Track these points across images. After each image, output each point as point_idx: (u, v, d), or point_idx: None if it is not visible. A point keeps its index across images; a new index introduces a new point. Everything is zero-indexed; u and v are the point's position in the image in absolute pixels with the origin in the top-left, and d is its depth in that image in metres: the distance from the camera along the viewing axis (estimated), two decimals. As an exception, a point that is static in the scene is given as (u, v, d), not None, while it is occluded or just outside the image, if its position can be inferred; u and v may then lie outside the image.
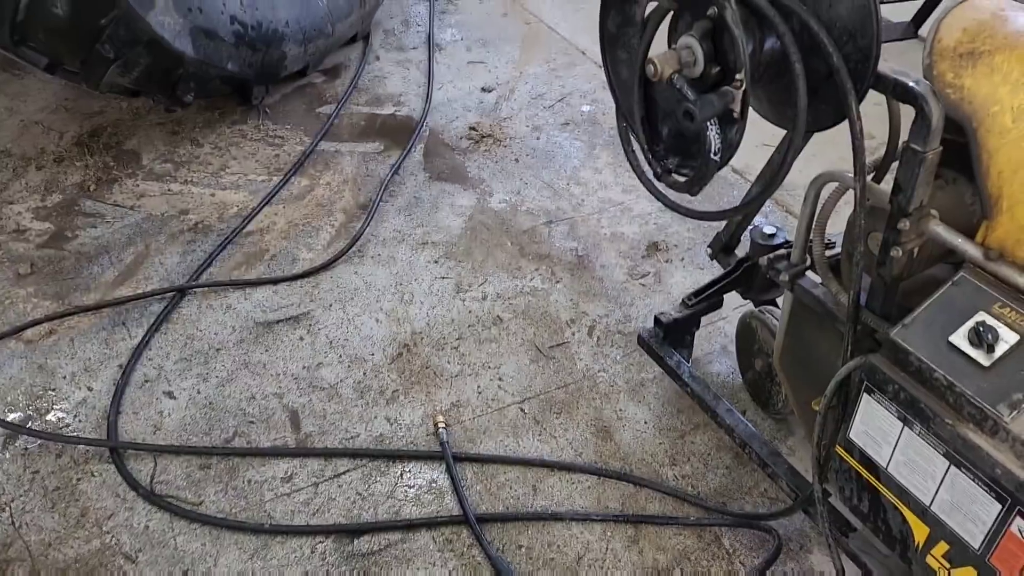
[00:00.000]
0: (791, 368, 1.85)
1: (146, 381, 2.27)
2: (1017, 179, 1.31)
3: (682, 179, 1.43)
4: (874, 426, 1.41)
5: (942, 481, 1.32)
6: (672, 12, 1.39)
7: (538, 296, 2.55)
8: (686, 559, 1.86)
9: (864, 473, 1.48)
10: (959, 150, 1.37)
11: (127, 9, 2.68)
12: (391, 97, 3.49)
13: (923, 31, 1.61)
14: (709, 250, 2.34)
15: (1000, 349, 1.25)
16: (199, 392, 2.24)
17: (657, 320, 2.14)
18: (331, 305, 2.51)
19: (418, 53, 3.79)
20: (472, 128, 3.29)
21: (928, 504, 1.36)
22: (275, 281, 2.58)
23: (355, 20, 3.57)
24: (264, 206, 2.87)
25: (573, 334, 2.43)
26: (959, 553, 1.34)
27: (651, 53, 1.33)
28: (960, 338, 1.28)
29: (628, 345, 2.38)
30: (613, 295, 2.55)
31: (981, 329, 1.26)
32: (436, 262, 2.67)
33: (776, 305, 2.16)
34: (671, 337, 2.14)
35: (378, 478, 2.03)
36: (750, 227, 2.05)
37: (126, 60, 2.82)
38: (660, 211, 2.86)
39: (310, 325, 2.45)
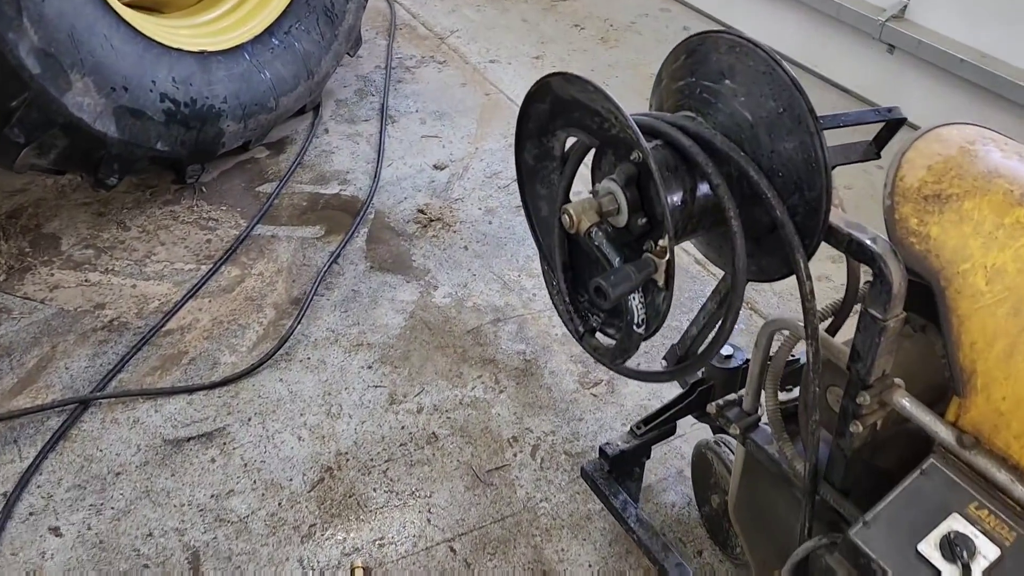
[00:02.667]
0: (747, 522, 1.63)
1: (31, 514, 2.02)
2: (993, 353, 1.11)
3: (607, 340, 1.22)
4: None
5: None
6: (594, 149, 1.19)
7: (479, 408, 2.33)
8: None
9: None
10: (928, 294, 1.18)
11: (40, 91, 2.48)
12: (337, 175, 3.29)
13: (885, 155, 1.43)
14: (664, 363, 2.13)
15: (978, 567, 1.04)
16: (89, 528, 1.99)
17: (602, 452, 1.92)
18: (250, 419, 2.28)
19: (370, 126, 3.60)
20: (421, 211, 3.09)
21: None
22: (190, 390, 2.35)
23: (302, 92, 3.39)
24: (188, 300, 2.65)
25: (515, 455, 2.20)
26: None
27: (571, 197, 1.13)
28: (930, 547, 1.07)
29: (574, 469, 2.16)
30: (561, 407, 2.33)
31: (955, 539, 1.05)
32: (370, 367, 2.45)
33: (734, 433, 1.95)
34: (618, 470, 1.92)
35: (282, 638, 1.79)
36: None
37: (40, 143, 2.61)
38: (616, 308, 2.66)
39: (224, 444, 2.21)
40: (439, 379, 2.41)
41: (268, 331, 2.56)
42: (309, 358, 2.47)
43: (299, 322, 2.55)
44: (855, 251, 1.13)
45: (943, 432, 1.14)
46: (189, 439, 2.22)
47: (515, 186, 3.19)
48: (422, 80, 3.96)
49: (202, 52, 2.98)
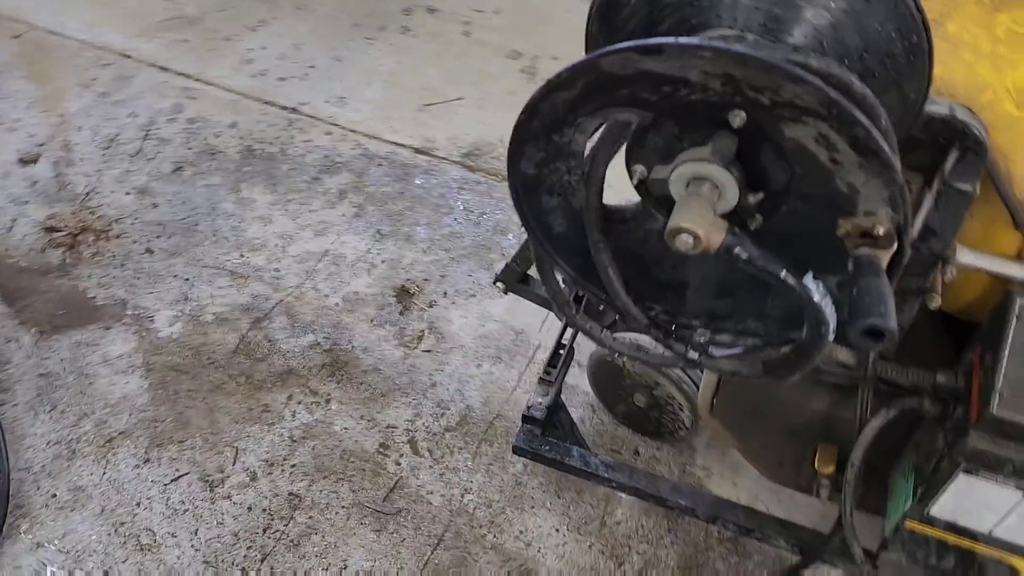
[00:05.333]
0: (733, 419, 1.54)
1: None
2: (1048, 174, 1.07)
3: (730, 354, 0.93)
4: (974, 501, 1.17)
5: (1081, 533, 1.14)
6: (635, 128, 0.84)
7: (319, 435, 1.87)
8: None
9: (952, 539, 1.26)
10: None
11: None
12: None
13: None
14: (500, 284, 1.88)
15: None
16: None
17: (529, 419, 1.65)
18: (40, 624, 1.57)
19: None
20: (52, 228, 2.25)
21: (1055, 552, 1.19)
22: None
23: None
24: None
25: (398, 462, 1.83)
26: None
27: (678, 220, 0.78)
28: (1072, 389, 1.06)
29: (467, 440, 1.87)
30: (403, 383, 1.97)
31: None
32: (147, 461, 1.80)
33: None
34: (549, 428, 1.69)
35: None
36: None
37: None
38: (376, 240, 2.26)
39: None
40: (246, 426, 1.87)
41: (-36, 494, 1.73)
42: (55, 496, 1.74)
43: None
44: (937, 129, 0.98)
45: (1020, 271, 1.10)
46: None
47: (149, 145, 2.47)
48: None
49: None
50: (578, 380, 1.94)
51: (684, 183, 0.81)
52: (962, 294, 1.20)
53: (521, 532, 1.73)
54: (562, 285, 1.07)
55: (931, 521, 1.24)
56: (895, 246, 0.73)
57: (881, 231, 0.72)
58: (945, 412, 1.21)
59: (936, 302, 1.12)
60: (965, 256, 1.12)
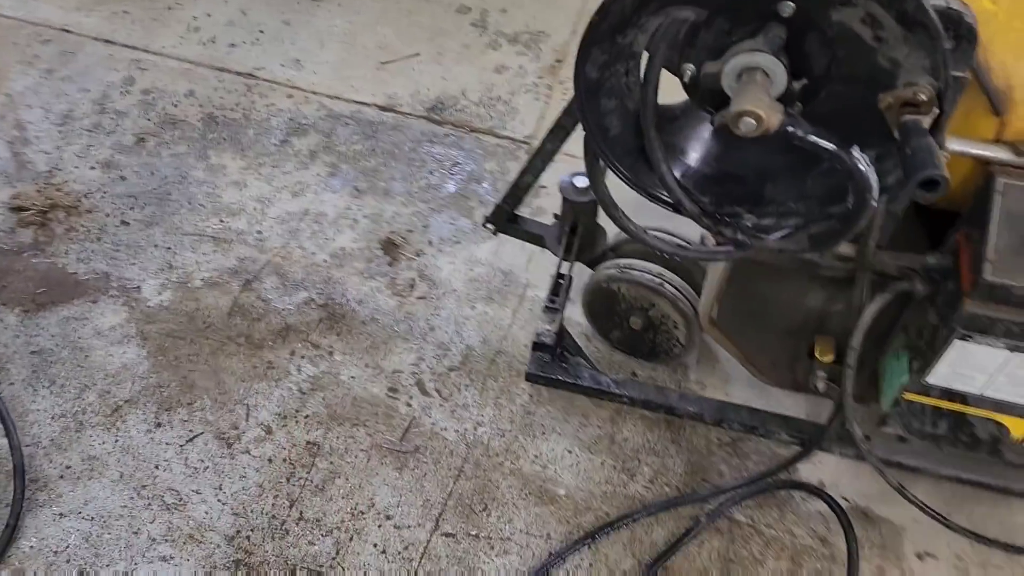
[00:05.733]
0: (732, 326, 1.65)
1: None
2: (1022, 64, 1.20)
3: (778, 236, 1.03)
4: (967, 365, 1.31)
5: (1061, 383, 1.30)
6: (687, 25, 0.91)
7: (328, 386, 1.90)
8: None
9: (946, 404, 1.40)
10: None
11: None
12: None
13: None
14: (490, 225, 1.96)
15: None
16: None
17: (540, 346, 1.73)
18: (77, 589, 1.58)
19: None
20: (19, 208, 2.19)
21: (1037, 403, 1.34)
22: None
23: None
24: None
25: (408, 404, 1.89)
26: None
27: (741, 103, 0.86)
28: (1057, 251, 1.20)
29: (472, 377, 1.94)
30: (403, 330, 2.02)
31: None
32: (159, 425, 1.81)
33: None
34: (559, 354, 1.77)
35: None
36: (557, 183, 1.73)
37: None
38: (355, 197, 2.29)
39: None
40: (253, 384, 1.90)
41: (-27, 474, 1.71)
42: (70, 468, 1.74)
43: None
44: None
45: (1001, 152, 1.23)
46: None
47: (108, 120, 2.43)
48: None
49: None
50: (569, 313, 2.02)
51: (736, 74, 0.90)
52: (945, 182, 1.33)
53: (536, 456, 1.82)
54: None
55: (928, 390, 1.38)
56: (936, 110, 0.83)
57: (924, 97, 0.82)
58: (935, 291, 1.34)
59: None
60: (954, 144, 1.24)
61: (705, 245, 1.19)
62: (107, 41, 2.68)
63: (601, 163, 1.05)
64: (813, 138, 0.87)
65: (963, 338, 1.26)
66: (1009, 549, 1.66)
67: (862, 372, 1.48)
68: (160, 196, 2.26)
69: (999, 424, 1.40)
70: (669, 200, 1.01)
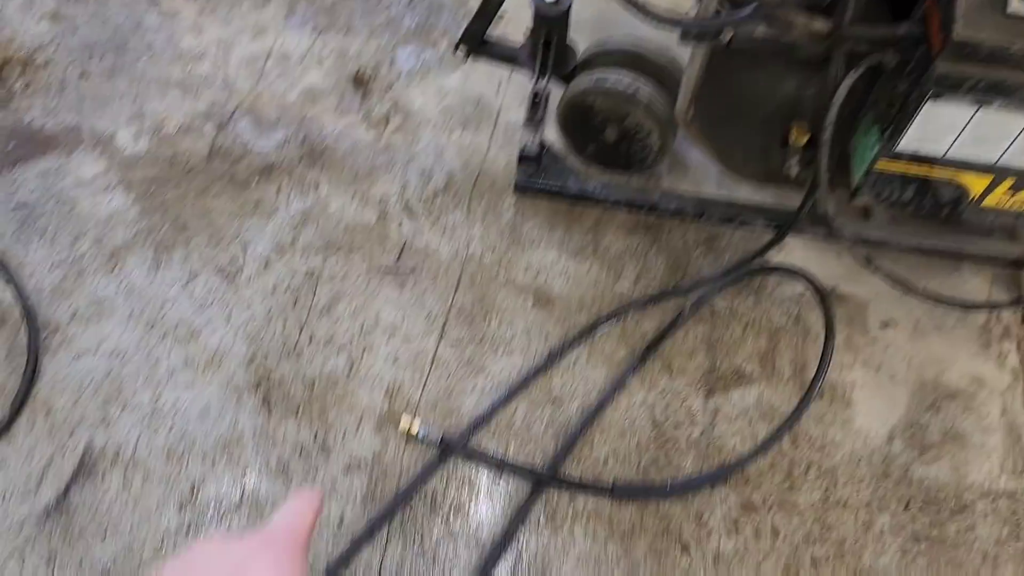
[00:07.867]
0: (708, 123, 1.72)
1: None
2: None
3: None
4: (936, 126, 1.41)
5: (1017, 136, 1.41)
6: None
7: (318, 217, 1.95)
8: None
9: (913, 169, 1.51)
10: None
11: None
12: None
13: None
14: (463, 49, 1.97)
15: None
16: None
17: (525, 158, 1.80)
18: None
19: None
20: (-31, 67, 2.11)
21: (995, 161, 1.46)
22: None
23: None
24: None
25: (399, 227, 1.95)
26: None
27: None
28: (1018, 3, 1.28)
29: (458, 199, 2.00)
30: (384, 161, 2.05)
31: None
32: (158, 265, 1.85)
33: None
34: (545, 164, 1.83)
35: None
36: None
37: None
38: (317, 35, 2.26)
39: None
40: (244, 220, 1.93)
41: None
42: (78, 312, 1.78)
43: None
44: None
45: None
46: None
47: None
48: None
49: None
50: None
51: None
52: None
53: (527, 266, 1.92)
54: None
55: (898, 156, 1.49)
56: None
57: None
58: (905, 61, 1.43)
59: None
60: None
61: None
62: None
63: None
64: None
65: (935, 96, 1.36)
66: (964, 308, 1.84)
67: (832, 156, 1.59)
68: (117, 45, 2.20)
69: (959, 186, 1.53)
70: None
